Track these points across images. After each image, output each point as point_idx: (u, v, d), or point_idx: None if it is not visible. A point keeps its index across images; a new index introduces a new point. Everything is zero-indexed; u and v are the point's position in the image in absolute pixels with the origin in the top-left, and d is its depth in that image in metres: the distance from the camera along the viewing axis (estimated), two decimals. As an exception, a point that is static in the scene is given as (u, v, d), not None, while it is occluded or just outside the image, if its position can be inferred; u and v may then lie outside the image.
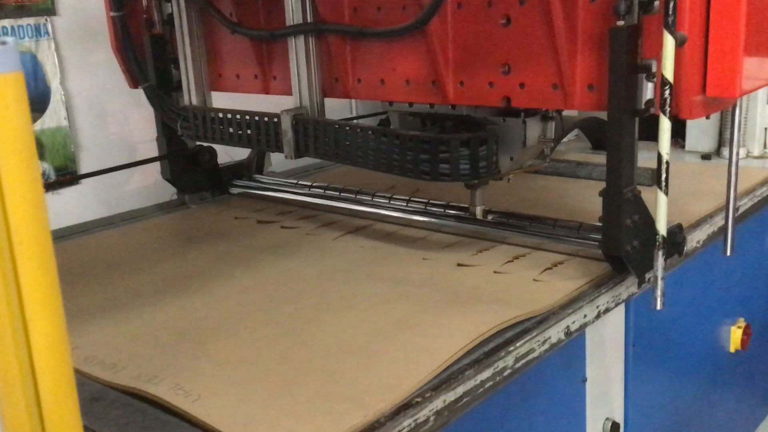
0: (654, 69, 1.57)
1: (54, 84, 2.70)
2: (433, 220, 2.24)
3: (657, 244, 1.67)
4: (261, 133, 2.24)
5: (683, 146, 3.09)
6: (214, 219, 2.52)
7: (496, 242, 2.09)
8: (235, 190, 2.77)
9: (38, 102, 2.68)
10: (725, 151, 2.91)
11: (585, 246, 1.93)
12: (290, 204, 2.59)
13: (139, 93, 2.90)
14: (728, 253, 1.94)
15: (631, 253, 1.74)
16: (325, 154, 2.12)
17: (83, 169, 2.80)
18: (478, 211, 2.14)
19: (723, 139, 2.94)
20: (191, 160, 2.66)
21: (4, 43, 0.58)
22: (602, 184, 2.59)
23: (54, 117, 2.72)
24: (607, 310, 1.77)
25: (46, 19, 2.67)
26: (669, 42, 1.49)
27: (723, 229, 2.19)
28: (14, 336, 0.60)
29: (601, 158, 2.83)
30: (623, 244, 1.71)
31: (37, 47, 2.65)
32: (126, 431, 1.28)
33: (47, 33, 2.67)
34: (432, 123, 2.14)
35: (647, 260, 1.73)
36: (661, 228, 1.65)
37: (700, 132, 3.02)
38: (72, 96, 2.76)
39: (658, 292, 1.70)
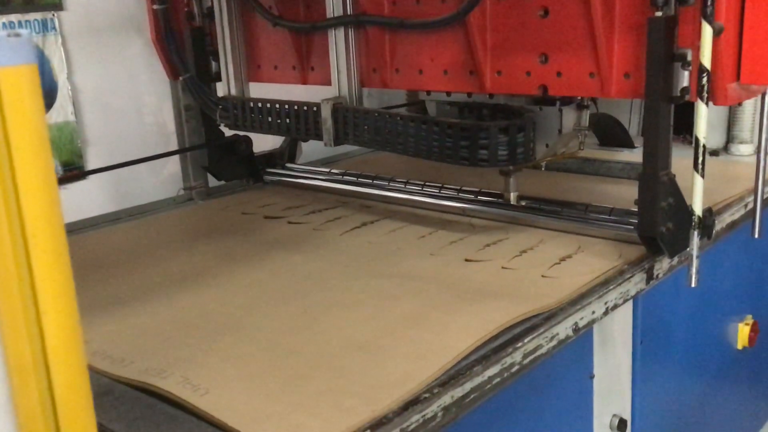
0: (689, 58, 1.65)
1: (61, 79, 2.70)
2: (467, 205, 2.32)
3: (693, 223, 1.75)
4: (300, 121, 2.32)
5: (691, 142, 3.07)
6: (221, 215, 2.53)
7: (502, 238, 2.09)
8: (268, 179, 2.84)
9: (45, 97, 2.65)
10: (733, 148, 2.90)
11: (617, 229, 2.01)
12: (323, 191, 2.66)
13: (147, 88, 2.91)
14: (756, 236, 2.02)
15: (666, 235, 1.80)
16: (364, 142, 2.21)
17: (89, 164, 2.80)
18: (512, 196, 2.22)
19: (731, 136, 2.92)
20: (228, 149, 2.73)
21: (18, 35, 0.58)
22: (610, 180, 2.60)
23: (61, 112, 2.72)
24: (615, 307, 1.77)
25: (53, 14, 2.67)
26: (707, 31, 1.56)
27: (733, 225, 2.19)
28: (28, 329, 0.60)
29: (608, 155, 2.84)
30: (658, 225, 1.78)
31: (44, 42, 2.64)
32: (134, 426, 1.28)
33: (54, 28, 2.67)
34: (469, 111, 2.20)
35: (680, 242, 1.81)
36: (697, 209, 1.74)
37: (708, 128, 2.99)
38: (79, 91, 2.76)
39: (693, 270, 1.78)
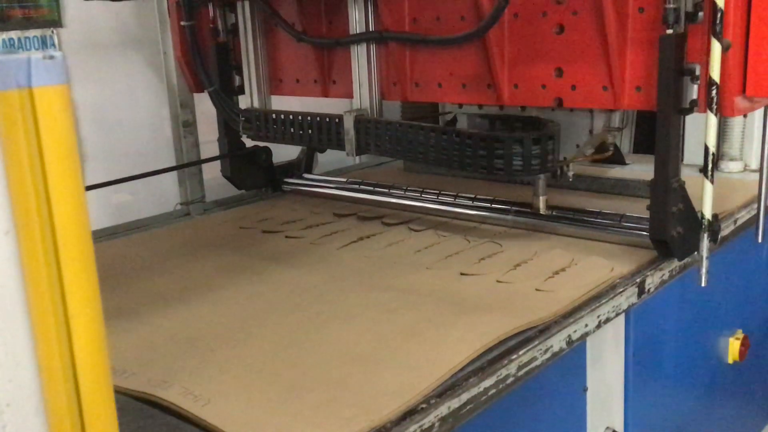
0: (698, 72, 1.74)
1: (60, 95, 2.73)
2: (490, 214, 2.39)
3: (703, 227, 1.84)
4: (322, 132, 2.40)
5: (682, 159, 3.11)
6: (219, 229, 2.55)
7: (497, 251, 2.12)
8: (287, 188, 2.93)
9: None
10: (723, 165, 2.93)
11: (629, 235, 2.10)
12: (340, 200, 2.74)
13: (145, 104, 2.94)
14: (759, 240, 2.14)
15: (676, 238, 1.88)
16: (385, 151, 2.28)
17: (88, 179, 2.82)
18: (541, 202, 2.28)
19: (721, 153, 2.96)
20: (249, 160, 2.81)
21: (52, 57, 0.61)
22: (601, 196, 2.64)
23: (60, 127, 2.75)
24: (607, 320, 1.80)
25: (53, 31, 2.70)
26: (716, 48, 1.65)
27: (723, 240, 2.23)
28: (57, 332, 0.62)
29: (600, 171, 2.87)
30: (669, 229, 1.86)
31: (44, 58, 2.67)
32: (136, 436, 1.30)
33: (53, 44, 2.70)
34: (501, 123, 2.26)
35: (689, 245, 1.91)
36: (707, 213, 1.82)
37: (699, 146, 3.03)
38: (77, 107, 2.79)
39: (703, 271, 1.88)
